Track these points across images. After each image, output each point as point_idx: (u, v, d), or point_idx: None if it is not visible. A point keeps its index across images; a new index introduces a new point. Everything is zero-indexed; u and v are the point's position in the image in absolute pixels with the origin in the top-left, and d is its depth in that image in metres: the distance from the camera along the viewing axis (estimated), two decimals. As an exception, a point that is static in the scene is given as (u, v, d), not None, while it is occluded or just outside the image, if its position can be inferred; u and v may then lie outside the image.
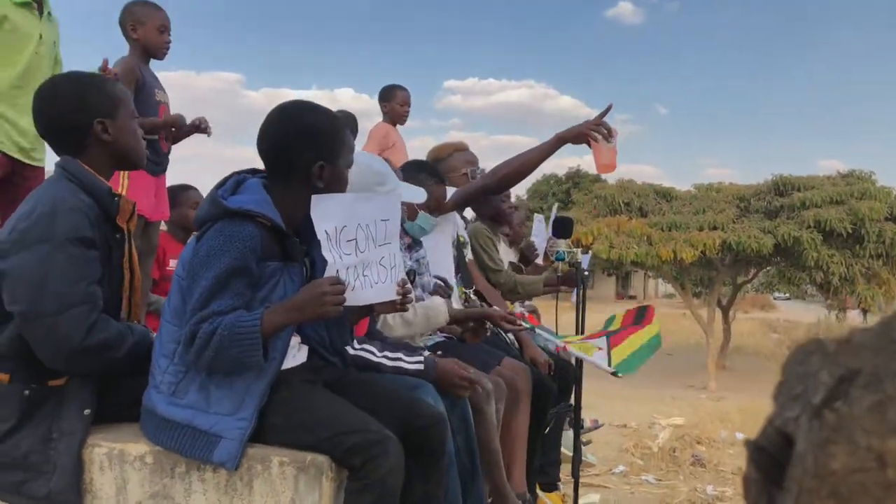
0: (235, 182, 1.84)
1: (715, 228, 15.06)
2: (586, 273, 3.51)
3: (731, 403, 10.63)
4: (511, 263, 4.04)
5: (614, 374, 2.46)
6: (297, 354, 1.91)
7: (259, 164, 1.93)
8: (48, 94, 1.89)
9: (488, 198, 3.45)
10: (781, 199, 15.78)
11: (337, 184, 1.87)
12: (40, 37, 2.83)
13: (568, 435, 4.02)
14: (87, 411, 1.79)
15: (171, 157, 3.32)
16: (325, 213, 1.78)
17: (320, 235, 1.77)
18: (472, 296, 3.11)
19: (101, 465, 1.80)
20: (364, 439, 1.68)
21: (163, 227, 3.58)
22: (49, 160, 2.69)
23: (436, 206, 2.78)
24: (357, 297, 1.83)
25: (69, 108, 1.85)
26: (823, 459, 0.39)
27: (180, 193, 3.74)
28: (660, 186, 17.97)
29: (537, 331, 3.17)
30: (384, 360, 2.22)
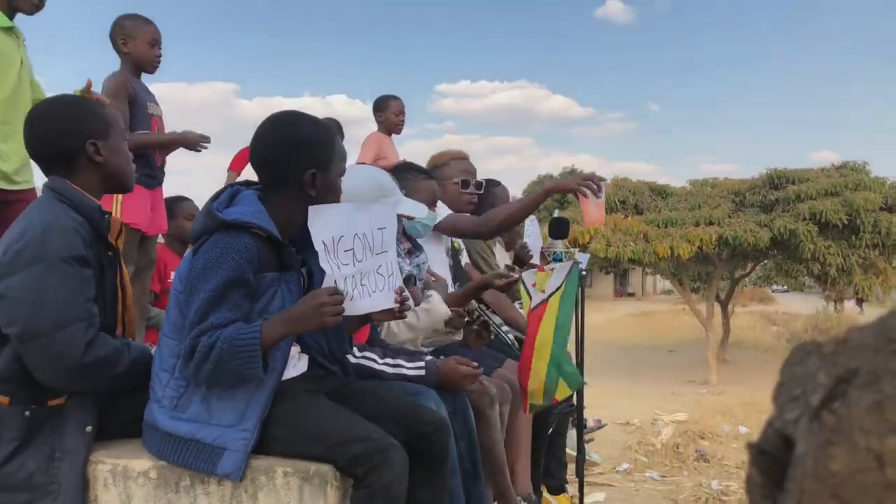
0: (230, 194, 1.84)
1: (711, 224, 15.10)
2: (584, 273, 3.51)
3: (732, 397, 10.64)
4: (506, 266, 4.03)
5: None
6: (297, 364, 1.91)
7: (253, 177, 1.93)
8: (42, 117, 1.88)
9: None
10: (776, 193, 15.83)
11: (329, 192, 1.88)
12: (21, 62, 2.76)
13: (571, 435, 4.03)
14: (88, 428, 1.79)
15: (166, 169, 3.30)
16: (323, 224, 1.78)
17: (318, 247, 1.77)
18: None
19: (106, 482, 1.80)
20: (367, 448, 1.68)
21: (160, 240, 3.57)
22: (37, 179, 2.64)
23: (430, 202, 2.77)
24: (356, 306, 1.84)
25: (64, 131, 1.84)
26: (823, 461, 0.39)
27: (175, 205, 3.74)
28: (655, 183, 18.01)
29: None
30: (385, 368, 2.22)
